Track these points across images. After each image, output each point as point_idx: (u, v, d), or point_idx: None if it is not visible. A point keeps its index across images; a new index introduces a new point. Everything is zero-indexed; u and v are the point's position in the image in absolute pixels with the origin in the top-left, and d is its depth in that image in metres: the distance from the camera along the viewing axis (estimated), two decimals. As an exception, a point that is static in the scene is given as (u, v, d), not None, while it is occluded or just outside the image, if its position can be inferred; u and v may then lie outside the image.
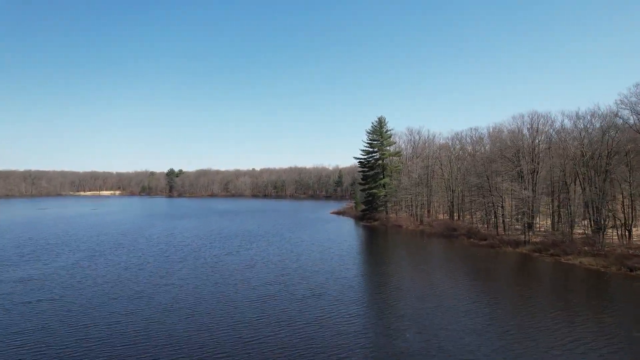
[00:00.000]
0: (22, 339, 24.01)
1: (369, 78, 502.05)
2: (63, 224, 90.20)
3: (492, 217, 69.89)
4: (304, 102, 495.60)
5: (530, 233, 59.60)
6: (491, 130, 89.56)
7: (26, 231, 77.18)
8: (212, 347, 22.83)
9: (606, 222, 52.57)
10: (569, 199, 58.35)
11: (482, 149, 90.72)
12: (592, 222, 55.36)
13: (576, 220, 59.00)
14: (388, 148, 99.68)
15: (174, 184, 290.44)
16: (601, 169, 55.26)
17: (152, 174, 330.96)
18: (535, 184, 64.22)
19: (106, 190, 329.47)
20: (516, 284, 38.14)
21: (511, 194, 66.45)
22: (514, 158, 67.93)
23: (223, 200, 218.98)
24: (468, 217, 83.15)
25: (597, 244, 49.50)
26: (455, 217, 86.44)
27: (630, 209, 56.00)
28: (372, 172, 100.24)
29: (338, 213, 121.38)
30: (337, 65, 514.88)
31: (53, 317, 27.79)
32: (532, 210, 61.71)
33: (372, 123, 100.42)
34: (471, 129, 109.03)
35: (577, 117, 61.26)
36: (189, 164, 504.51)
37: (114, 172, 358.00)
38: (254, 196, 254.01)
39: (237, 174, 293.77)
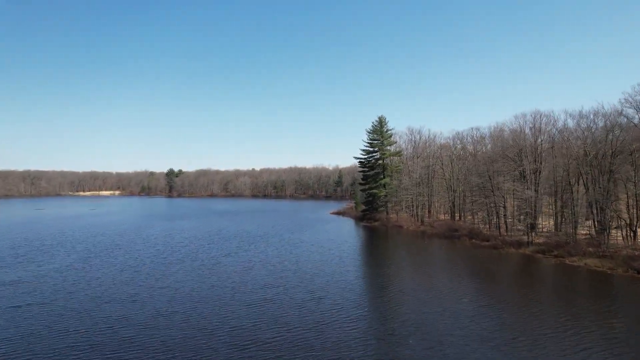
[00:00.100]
0: (8, 346, 23.03)
1: (369, 78, 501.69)
2: (60, 225, 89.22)
3: (494, 217, 68.96)
4: (304, 102, 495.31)
5: (533, 234, 58.69)
6: (492, 129, 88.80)
7: (22, 232, 76.20)
8: (207, 354, 21.91)
9: (611, 223, 51.67)
10: (573, 199, 57.43)
11: (484, 148, 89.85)
12: (595, 222, 54.44)
13: (579, 220, 58.08)
14: (388, 148, 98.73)
15: (173, 184, 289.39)
16: (605, 168, 54.32)
17: (152, 174, 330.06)
18: (538, 184, 63.29)
19: (106, 190, 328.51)
20: (521, 286, 37.12)
21: (513, 194, 65.50)
22: (517, 158, 67.00)
23: (223, 200, 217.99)
24: (469, 217, 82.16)
25: (602, 245, 48.61)
26: (457, 218, 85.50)
27: (635, 209, 54.98)
28: (372, 172, 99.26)
29: (338, 213, 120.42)
30: (337, 65, 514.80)
31: (42, 323, 26.82)
32: (534, 210, 60.78)
33: (373, 122, 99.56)
34: (472, 128, 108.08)
35: (581, 116, 60.41)
36: (189, 164, 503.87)
37: (114, 172, 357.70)
38: (254, 196, 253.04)
39: (237, 174, 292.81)
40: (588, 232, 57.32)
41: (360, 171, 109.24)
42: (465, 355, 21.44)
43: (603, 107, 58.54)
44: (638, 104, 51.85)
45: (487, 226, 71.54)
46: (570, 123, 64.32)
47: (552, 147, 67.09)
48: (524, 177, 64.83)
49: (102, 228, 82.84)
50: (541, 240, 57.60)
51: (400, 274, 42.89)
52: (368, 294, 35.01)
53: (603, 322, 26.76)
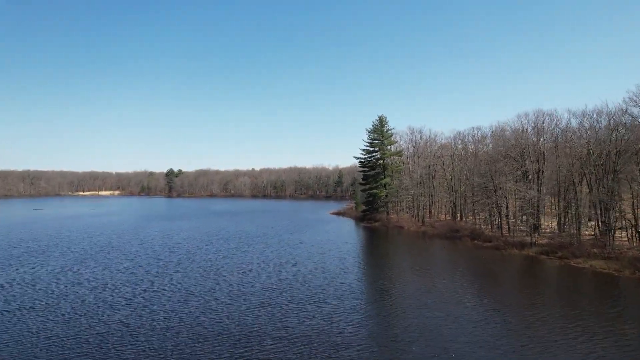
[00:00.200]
0: (-5, 353, 22.09)
1: (369, 78, 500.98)
2: (57, 225, 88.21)
3: (497, 218, 67.98)
4: (304, 102, 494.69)
5: (536, 234, 57.72)
6: (494, 129, 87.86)
7: (19, 232, 75.19)
8: (201, 363, 20.95)
9: (615, 224, 50.72)
10: (577, 200, 56.47)
11: (485, 148, 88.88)
12: (599, 223, 53.49)
13: (582, 221, 57.09)
14: (389, 147, 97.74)
15: (173, 184, 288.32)
16: (609, 168, 53.37)
17: (152, 174, 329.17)
18: (541, 184, 62.32)
19: (105, 190, 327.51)
20: (527, 289, 36.06)
21: (515, 195, 64.52)
22: (519, 157, 66.03)
23: (222, 200, 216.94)
24: (471, 218, 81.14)
25: (607, 246, 47.65)
26: (458, 218, 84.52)
27: (640, 210, 54.05)
28: (372, 172, 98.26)
29: (338, 214, 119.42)
30: (337, 65, 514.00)
31: (31, 328, 25.82)
32: (537, 211, 59.82)
33: (373, 122, 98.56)
34: (473, 128, 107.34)
35: (584, 115, 59.49)
36: (189, 164, 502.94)
37: (113, 172, 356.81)
38: (254, 196, 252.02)
39: (237, 174, 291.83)
40: (592, 232, 56.35)
41: (360, 171, 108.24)
42: (471, 364, 20.48)
43: (607, 106, 57.66)
44: (644, 102, 50.88)
45: (489, 227, 70.56)
46: (574, 122, 63.49)
47: (555, 147, 66.14)
48: (527, 177, 63.86)
49: (100, 228, 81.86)
50: (544, 241, 56.64)
51: (401, 276, 41.90)
52: (369, 298, 34.02)
53: (615, 328, 25.69)
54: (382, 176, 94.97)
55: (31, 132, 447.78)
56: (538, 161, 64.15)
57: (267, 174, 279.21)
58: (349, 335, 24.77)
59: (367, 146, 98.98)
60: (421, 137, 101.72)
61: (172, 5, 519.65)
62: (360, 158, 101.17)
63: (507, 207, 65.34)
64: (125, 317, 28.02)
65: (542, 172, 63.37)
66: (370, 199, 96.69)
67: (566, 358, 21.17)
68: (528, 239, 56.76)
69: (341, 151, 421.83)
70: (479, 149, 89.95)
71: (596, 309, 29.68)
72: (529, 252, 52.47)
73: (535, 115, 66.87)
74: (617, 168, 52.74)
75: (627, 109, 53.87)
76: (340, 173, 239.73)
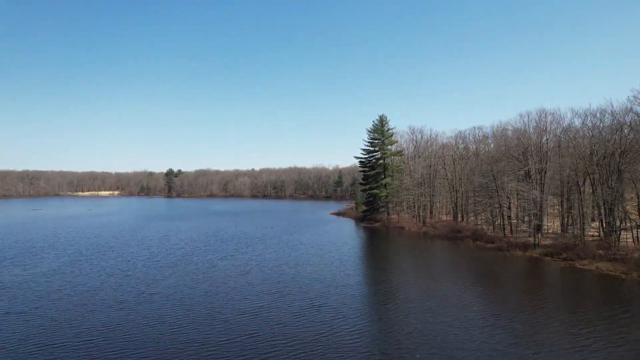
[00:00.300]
0: (-20, 361, 21.11)
1: (369, 78, 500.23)
2: (55, 225, 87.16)
3: (499, 218, 66.98)
4: (304, 102, 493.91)
5: (539, 235, 56.72)
6: (495, 129, 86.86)
7: (15, 233, 74.16)
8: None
9: (620, 224, 49.74)
10: (581, 200, 55.47)
11: (486, 148, 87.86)
12: (604, 223, 52.50)
13: (586, 222, 56.08)
14: (389, 147, 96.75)
15: (172, 184, 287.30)
16: (614, 168, 52.38)
17: (151, 174, 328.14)
18: (544, 184, 61.32)
19: (105, 190, 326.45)
20: (533, 292, 34.98)
21: (517, 195, 63.52)
22: (521, 157, 65.03)
23: (222, 200, 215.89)
24: (472, 218, 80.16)
25: (612, 247, 46.68)
26: (459, 219, 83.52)
27: (645, 210, 53.03)
28: (373, 172, 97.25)
29: (338, 214, 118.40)
30: (337, 65, 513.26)
31: (18, 334, 24.78)
32: (540, 211, 58.83)
33: (373, 121, 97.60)
34: (474, 127, 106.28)
35: (587, 114, 58.53)
36: (189, 164, 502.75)
37: (113, 172, 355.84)
38: (253, 196, 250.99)
39: (237, 174, 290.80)
40: (596, 233, 55.37)
41: (360, 171, 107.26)
42: (478, 373, 19.48)
43: (612, 105, 56.70)
44: (649, 101, 49.93)
45: (491, 227, 69.57)
46: (577, 121, 62.48)
47: (558, 146, 65.14)
48: (529, 177, 62.86)
49: (98, 229, 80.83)
50: (548, 242, 55.68)
51: (403, 278, 40.85)
52: (370, 302, 33.01)
53: (629, 334, 24.50)
54: (383, 176, 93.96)
55: (31, 132, 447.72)
56: (541, 161, 63.15)
57: (267, 174, 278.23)
58: (350, 341, 23.78)
59: (367, 146, 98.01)
60: (422, 137, 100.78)
61: (172, 5, 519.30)
62: (361, 158, 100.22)
63: (509, 208, 64.37)
64: (118, 322, 27.01)
65: (545, 172, 62.38)
66: (371, 199, 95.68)
67: (578, 366, 20.20)
68: (531, 240, 55.77)
69: (341, 151, 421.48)
70: (481, 149, 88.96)
71: (607, 314, 28.58)
72: (533, 254, 51.48)
73: (538, 114, 65.90)
74: (622, 168, 51.76)
75: (631, 108, 52.94)
76: (340, 173, 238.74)
